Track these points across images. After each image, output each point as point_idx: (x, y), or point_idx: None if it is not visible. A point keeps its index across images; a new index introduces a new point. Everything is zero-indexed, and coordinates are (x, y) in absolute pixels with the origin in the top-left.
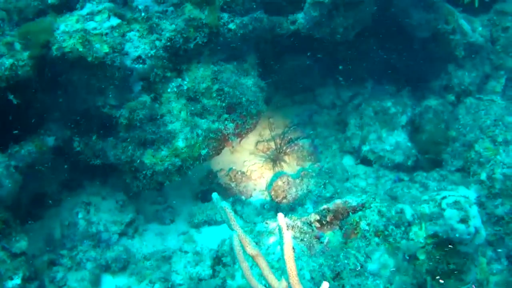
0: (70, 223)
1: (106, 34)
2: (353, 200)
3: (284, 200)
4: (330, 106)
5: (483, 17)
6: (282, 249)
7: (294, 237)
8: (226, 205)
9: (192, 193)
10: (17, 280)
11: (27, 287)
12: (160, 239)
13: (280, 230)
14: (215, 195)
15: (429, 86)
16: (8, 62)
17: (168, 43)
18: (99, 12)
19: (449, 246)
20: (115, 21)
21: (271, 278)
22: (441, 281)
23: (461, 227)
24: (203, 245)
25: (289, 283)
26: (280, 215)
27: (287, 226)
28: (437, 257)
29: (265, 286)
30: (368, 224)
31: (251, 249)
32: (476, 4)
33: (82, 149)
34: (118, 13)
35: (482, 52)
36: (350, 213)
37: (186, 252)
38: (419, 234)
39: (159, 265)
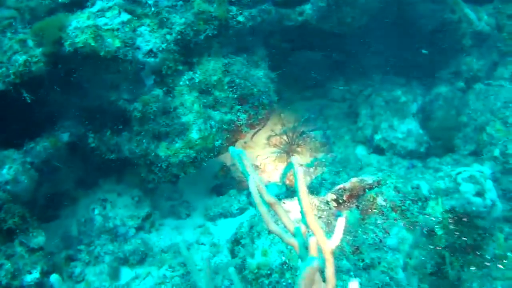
0: (86, 219)
1: (117, 29)
2: (369, 178)
3: None
4: (340, 99)
5: (488, 6)
6: (296, 187)
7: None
8: (241, 152)
9: (206, 188)
10: (36, 274)
11: (46, 281)
12: (176, 233)
13: (295, 174)
14: (231, 148)
15: (438, 75)
16: (21, 58)
17: (179, 37)
18: (110, 8)
19: (465, 219)
20: (125, 16)
21: (289, 223)
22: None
23: (477, 200)
24: (220, 237)
25: (306, 224)
26: (294, 158)
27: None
28: (455, 231)
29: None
30: (385, 200)
31: (268, 197)
32: None
33: (96, 145)
34: (128, 8)
35: (489, 40)
36: (366, 190)
37: (203, 244)
38: (436, 209)
39: (176, 256)
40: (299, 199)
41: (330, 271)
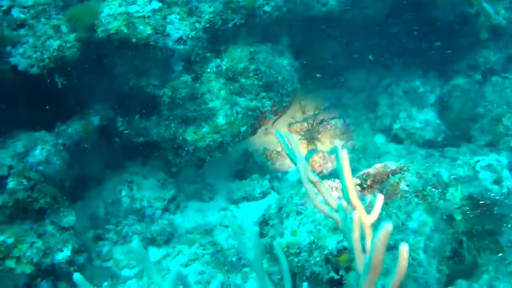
0: (113, 200)
1: (149, 17)
2: (392, 164)
3: (321, 174)
4: (359, 89)
5: (506, 0)
6: (340, 168)
7: (338, 197)
8: (287, 135)
9: (229, 172)
10: (67, 252)
11: (76, 259)
12: (200, 215)
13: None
14: (277, 131)
15: (455, 67)
16: (56, 43)
17: (208, 25)
18: None
19: (483, 206)
20: (156, 4)
21: (331, 200)
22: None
23: (495, 188)
24: (243, 220)
25: (348, 200)
26: (337, 142)
27: (331, 188)
28: (472, 217)
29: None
30: (408, 185)
31: (312, 176)
32: None
33: (125, 128)
34: None
35: (506, 34)
36: (390, 176)
37: (226, 227)
38: (455, 195)
39: (202, 237)
40: (341, 178)
41: (369, 242)
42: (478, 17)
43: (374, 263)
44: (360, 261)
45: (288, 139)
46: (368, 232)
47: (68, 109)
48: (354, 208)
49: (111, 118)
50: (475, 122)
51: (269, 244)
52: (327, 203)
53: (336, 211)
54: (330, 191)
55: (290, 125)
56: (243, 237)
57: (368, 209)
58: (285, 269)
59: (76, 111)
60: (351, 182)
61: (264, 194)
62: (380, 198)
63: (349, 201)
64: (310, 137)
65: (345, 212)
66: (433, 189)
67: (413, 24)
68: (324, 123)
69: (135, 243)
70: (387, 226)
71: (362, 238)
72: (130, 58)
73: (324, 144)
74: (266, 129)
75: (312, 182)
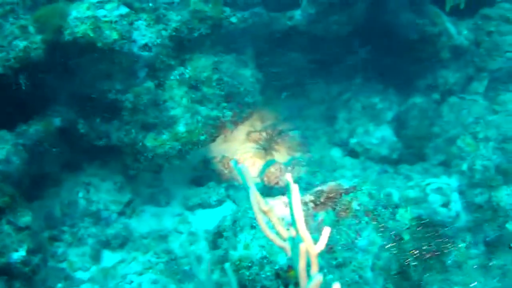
0: (70, 202)
1: (116, 21)
2: (345, 183)
3: (276, 186)
4: (320, 101)
5: (469, 21)
6: (290, 201)
7: (291, 214)
8: (242, 167)
9: (186, 178)
10: (22, 252)
11: (32, 259)
12: (156, 220)
13: (288, 185)
14: (233, 162)
15: (415, 85)
16: (22, 44)
17: (174, 33)
18: (109, 0)
19: (431, 227)
20: (124, 10)
21: (281, 229)
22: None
23: (443, 210)
24: (198, 227)
25: (297, 230)
26: (288, 175)
27: (286, 204)
28: (420, 237)
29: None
30: (359, 205)
31: (263, 206)
32: (462, 6)
33: (86, 131)
34: (127, 2)
35: (467, 54)
36: (342, 194)
37: (181, 233)
38: (404, 216)
39: (156, 243)
40: (291, 210)
41: (315, 270)
42: (440, 37)
43: None
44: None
45: (242, 170)
46: (314, 261)
47: (30, 110)
48: (302, 239)
49: (73, 120)
50: (430, 141)
51: (221, 256)
52: (277, 231)
53: (285, 240)
54: (280, 221)
55: (248, 134)
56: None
57: (320, 226)
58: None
59: (38, 112)
60: (301, 214)
61: (220, 202)
62: (326, 231)
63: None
64: (268, 147)
65: (293, 241)
66: (384, 210)
67: (376, 41)
68: (283, 134)
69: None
70: (318, 278)
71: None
72: (95, 62)
73: (282, 155)
74: (225, 136)
75: (263, 212)
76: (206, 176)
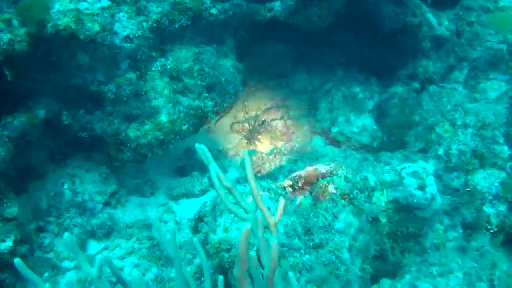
0: (56, 193)
1: (97, 14)
2: (322, 167)
3: (258, 174)
4: (302, 91)
5: (450, 12)
6: (246, 173)
7: (270, 198)
8: (202, 147)
9: (170, 169)
10: (9, 243)
11: (18, 250)
12: (140, 210)
13: (243, 161)
14: (196, 145)
15: (396, 75)
16: (6, 37)
17: (155, 25)
18: None
19: (407, 210)
20: (105, 2)
21: (242, 204)
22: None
23: (419, 193)
24: (182, 216)
25: (255, 202)
26: (245, 151)
27: (263, 189)
28: (397, 220)
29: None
30: (336, 188)
31: (226, 183)
32: None
33: (70, 123)
34: None
35: (448, 44)
36: (319, 178)
37: (166, 222)
38: (380, 199)
39: (142, 231)
40: (248, 182)
41: (274, 241)
42: (421, 27)
43: (272, 268)
44: (265, 257)
45: (203, 150)
46: (273, 230)
47: (15, 102)
48: (260, 211)
49: (57, 112)
50: (410, 129)
51: (202, 240)
52: (240, 207)
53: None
54: (242, 197)
55: (232, 125)
56: (164, 237)
57: (297, 210)
58: (205, 264)
59: (23, 104)
60: (255, 186)
61: (203, 192)
62: (281, 202)
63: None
64: (251, 138)
65: (254, 214)
66: (360, 193)
67: (357, 31)
68: (265, 124)
69: (67, 235)
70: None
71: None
72: (78, 54)
73: (264, 145)
74: (208, 127)
75: (227, 189)
76: (190, 166)
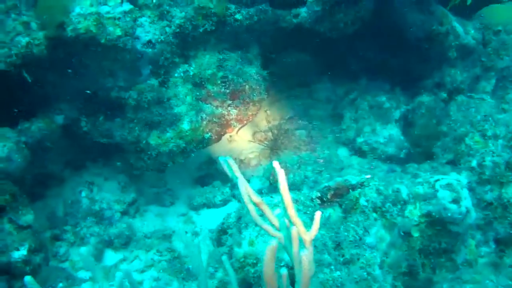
0: (73, 201)
1: (119, 18)
2: (353, 179)
3: None
4: (325, 100)
5: (476, 21)
6: (278, 186)
7: (298, 210)
8: (228, 158)
9: (191, 178)
10: (23, 251)
11: (33, 259)
12: (160, 220)
13: (275, 172)
14: (220, 157)
15: (422, 84)
16: (24, 40)
17: (178, 30)
18: None
19: (440, 224)
20: (127, 6)
21: (273, 218)
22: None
23: (453, 207)
24: (202, 226)
25: (289, 217)
26: (276, 162)
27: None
28: (429, 235)
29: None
30: (367, 201)
31: (255, 198)
32: (469, 2)
33: (89, 129)
34: None
35: (474, 54)
36: (350, 190)
37: (185, 232)
38: (413, 212)
39: (160, 243)
40: (281, 195)
41: (309, 257)
42: (447, 36)
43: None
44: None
45: (229, 162)
46: (308, 247)
47: (33, 107)
48: (294, 225)
49: (75, 118)
50: (438, 140)
51: (226, 253)
52: (270, 222)
53: (279, 229)
54: (271, 211)
55: (254, 134)
56: (194, 249)
57: (327, 223)
58: (233, 281)
59: (41, 109)
60: (289, 199)
61: (225, 202)
62: (317, 215)
63: (289, 217)
64: (273, 147)
65: (287, 230)
66: (392, 206)
67: (383, 40)
68: (289, 133)
69: (83, 250)
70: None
71: None
72: (98, 59)
73: (288, 154)
74: (230, 136)
75: (255, 203)
76: (211, 176)
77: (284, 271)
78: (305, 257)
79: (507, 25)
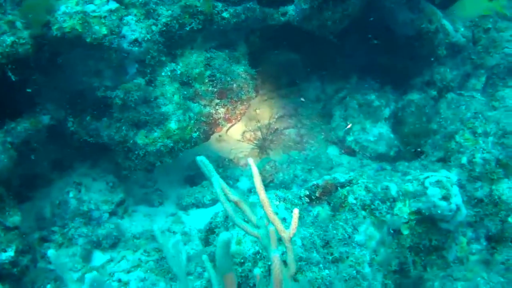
0: (61, 202)
1: (105, 17)
2: (341, 177)
3: (271, 184)
4: (315, 99)
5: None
6: (253, 184)
7: (286, 208)
8: (202, 158)
9: (180, 178)
10: (11, 253)
11: (20, 260)
12: (148, 220)
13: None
14: (198, 157)
15: (411, 82)
16: (9, 39)
17: (164, 28)
18: None
19: (430, 222)
20: (113, 5)
21: (252, 217)
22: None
23: (443, 204)
24: (191, 226)
25: (266, 215)
26: (250, 159)
27: (279, 199)
28: (420, 232)
29: (244, 220)
30: (356, 198)
31: (232, 197)
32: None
33: (75, 129)
34: None
35: (464, 51)
36: (338, 188)
37: (174, 233)
38: (403, 210)
39: (150, 242)
40: (257, 194)
41: (290, 256)
42: (437, 34)
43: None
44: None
45: (204, 162)
46: (288, 246)
47: (18, 107)
48: (271, 223)
49: (62, 118)
50: (428, 137)
51: (213, 253)
52: (249, 220)
53: (257, 227)
54: (250, 210)
55: (243, 133)
56: (168, 252)
57: (315, 221)
58: (214, 281)
59: (26, 109)
60: (265, 196)
61: (214, 201)
62: (295, 212)
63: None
64: (263, 146)
65: (266, 228)
66: (381, 203)
67: (371, 38)
68: (278, 132)
69: (51, 252)
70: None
71: None
72: (84, 58)
73: (277, 154)
74: (220, 135)
75: (233, 202)
76: (200, 175)
77: (258, 272)
78: (275, 258)
79: (497, 22)
